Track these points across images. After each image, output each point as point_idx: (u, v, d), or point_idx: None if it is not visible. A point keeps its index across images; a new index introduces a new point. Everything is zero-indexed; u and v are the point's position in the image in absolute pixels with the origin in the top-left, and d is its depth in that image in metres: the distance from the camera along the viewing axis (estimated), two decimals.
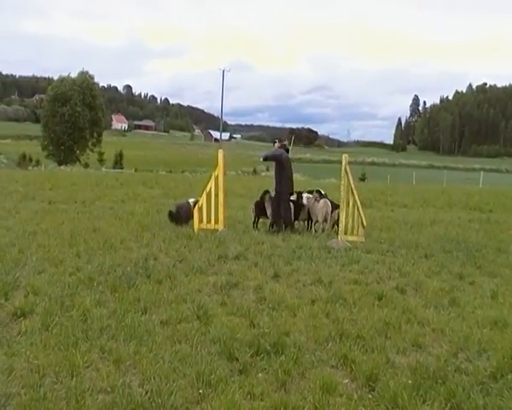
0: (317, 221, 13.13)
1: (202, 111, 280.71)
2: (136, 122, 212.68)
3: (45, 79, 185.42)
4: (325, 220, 12.92)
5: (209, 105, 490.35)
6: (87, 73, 74.84)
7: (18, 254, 9.00)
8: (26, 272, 7.88)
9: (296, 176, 43.24)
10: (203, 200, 12.26)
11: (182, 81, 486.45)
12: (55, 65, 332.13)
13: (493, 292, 7.95)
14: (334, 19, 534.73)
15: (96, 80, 76.45)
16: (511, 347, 5.49)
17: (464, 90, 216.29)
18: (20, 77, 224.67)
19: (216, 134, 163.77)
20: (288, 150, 13.82)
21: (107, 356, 5.07)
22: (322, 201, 12.88)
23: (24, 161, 63.45)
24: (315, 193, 13.32)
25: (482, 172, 54.31)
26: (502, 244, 12.11)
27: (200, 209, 12.26)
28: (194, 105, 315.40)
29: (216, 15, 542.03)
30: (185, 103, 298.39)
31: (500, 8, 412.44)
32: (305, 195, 13.34)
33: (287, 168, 13.13)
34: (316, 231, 13.04)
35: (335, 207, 12.88)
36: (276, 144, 13.86)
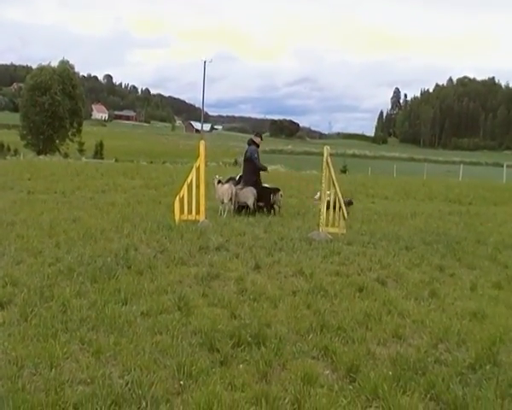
0: (223, 201, 14.35)
1: (184, 102, 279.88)
2: (117, 112, 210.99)
3: (24, 67, 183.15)
4: (230, 200, 14.24)
5: (192, 96, 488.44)
6: (67, 62, 74.22)
7: None
8: (5, 263, 7.77)
9: (277, 167, 43.54)
10: (184, 191, 12.19)
11: (165, 72, 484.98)
12: (36, 54, 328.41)
13: (472, 284, 8.04)
14: (320, 11, 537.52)
15: (76, 70, 76.09)
16: (490, 338, 5.56)
17: (445, 84, 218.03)
18: None
19: (197, 125, 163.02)
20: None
21: (87, 347, 5.01)
22: (226, 184, 14.37)
23: (2, 150, 62.96)
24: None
25: (462, 165, 54.60)
26: (481, 236, 12.23)
27: (182, 200, 12.19)
28: (177, 96, 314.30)
29: (203, 6, 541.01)
30: (167, 94, 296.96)
31: (484, 3, 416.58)
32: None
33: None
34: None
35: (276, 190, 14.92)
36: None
